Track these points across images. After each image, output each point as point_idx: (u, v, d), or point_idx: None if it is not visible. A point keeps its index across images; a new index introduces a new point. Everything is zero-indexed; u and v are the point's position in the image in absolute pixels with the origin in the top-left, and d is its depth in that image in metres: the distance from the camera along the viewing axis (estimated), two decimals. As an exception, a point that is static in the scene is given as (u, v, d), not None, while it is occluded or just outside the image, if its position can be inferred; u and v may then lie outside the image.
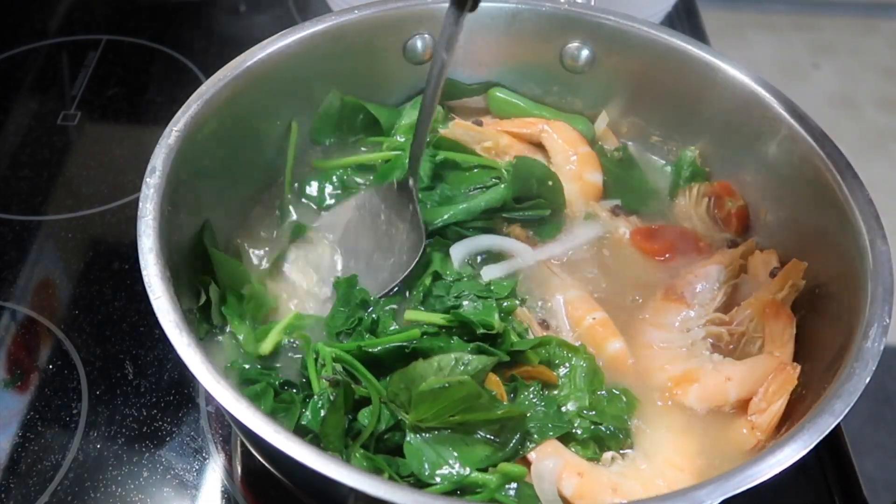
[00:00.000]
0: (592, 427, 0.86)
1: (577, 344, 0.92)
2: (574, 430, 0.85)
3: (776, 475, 0.69)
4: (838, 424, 0.72)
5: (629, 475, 0.83)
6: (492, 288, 0.95)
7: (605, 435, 0.86)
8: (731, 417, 0.88)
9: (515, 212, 1.05)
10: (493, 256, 1.02)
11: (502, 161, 1.09)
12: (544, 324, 0.96)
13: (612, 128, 1.16)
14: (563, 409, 0.87)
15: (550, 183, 1.06)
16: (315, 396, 0.83)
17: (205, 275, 0.91)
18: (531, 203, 1.05)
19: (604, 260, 1.03)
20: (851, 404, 0.73)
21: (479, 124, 1.15)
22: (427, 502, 0.68)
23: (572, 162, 1.10)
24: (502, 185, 1.04)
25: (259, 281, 0.97)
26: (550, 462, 0.81)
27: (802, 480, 1.00)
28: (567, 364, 0.90)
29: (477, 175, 1.08)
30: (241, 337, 0.91)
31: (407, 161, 1.01)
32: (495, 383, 0.87)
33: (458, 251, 1.00)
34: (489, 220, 1.04)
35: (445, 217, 1.02)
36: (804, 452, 0.70)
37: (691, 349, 0.93)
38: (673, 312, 0.96)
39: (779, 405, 0.84)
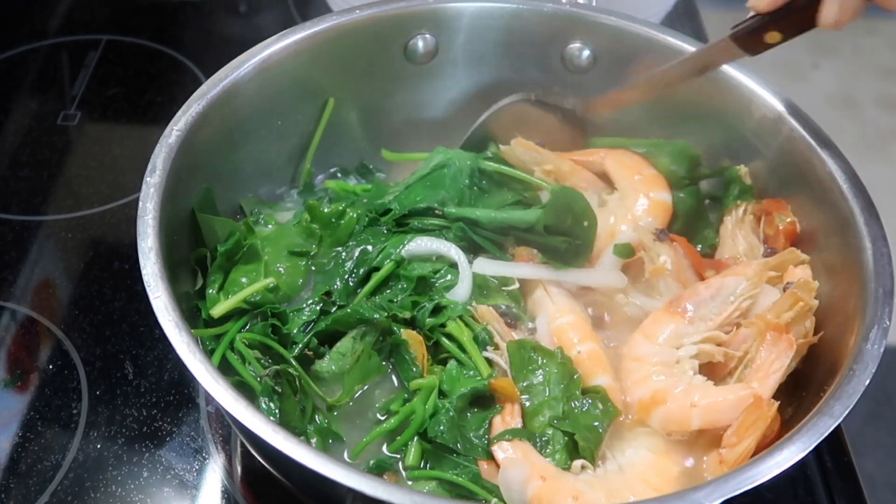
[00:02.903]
0: (565, 438, 0.84)
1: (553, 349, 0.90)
2: (546, 441, 0.84)
3: (776, 475, 0.69)
4: (838, 425, 0.72)
5: (596, 485, 0.80)
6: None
7: (578, 446, 0.84)
8: (715, 444, 0.84)
9: (538, 239, 0.99)
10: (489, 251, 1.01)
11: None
12: (512, 323, 0.93)
13: (611, 127, 1.15)
14: (536, 420, 0.86)
15: (586, 224, 0.97)
16: (261, 398, 0.84)
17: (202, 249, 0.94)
18: (559, 239, 0.99)
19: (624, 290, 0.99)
20: (851, 406, 0.72)
21: (543, 145, 1.10)
22: (425, 502, 0.69)
23: (637, 182, 1.05)
24: (538, 209, 1.00)
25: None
26: (518, 471, 0.80)
27: (802, 480, 0.99)
28: (542, 370, 0.88)
29: (513, 193, 1.06)
30: (211, 290, 0.92)
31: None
32: (418, 343, 0.89)
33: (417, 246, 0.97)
34: (503, 234, 1.01)
35: (476, 214, 0.99)
36: (803, 455, 0.70)
37: (673, 367, 0.88)
38: (669, 325, 0.90)
39: (748, 442, 0.79)
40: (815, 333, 0.88)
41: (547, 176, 1.08)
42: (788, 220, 0.98)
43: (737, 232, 1.02)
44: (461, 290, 0.94)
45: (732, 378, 0.88)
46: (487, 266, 0.97)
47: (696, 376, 0.87)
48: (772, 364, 0.85)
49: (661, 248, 0.98)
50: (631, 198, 1.05)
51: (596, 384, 0.88)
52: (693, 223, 1.06)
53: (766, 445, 0.82)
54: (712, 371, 0.90)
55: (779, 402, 0.82)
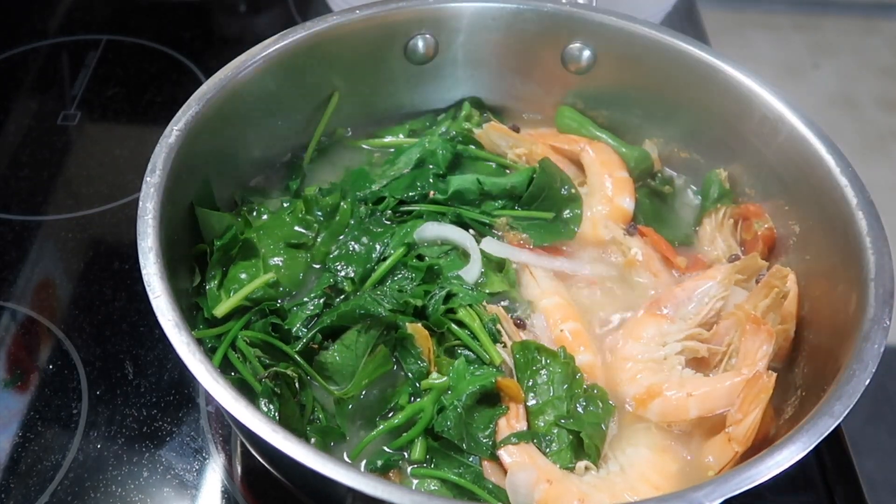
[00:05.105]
0: (570, 437, 0.85)
1: (555, 349, 0.91)
2: (550, 441, 0.85)
3: (776, 475, 0.69)
4: (838, 425, 0.72)
5: (600, 487, 0.82)
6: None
7: (582, 444, 0.85)
8: (714, 431, 0.86)
9: (522, 208, 1.05)
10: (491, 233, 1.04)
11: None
12: (521, 323, 0.95)
13: (613, 128, 1.16)
14: (540, 419, 0.87)
15: (573, 190, 1.06)
16: (261, 400, 0.84)
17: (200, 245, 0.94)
18: (540, 203, 1.05)
19: (609, 278, 1.02)
20: (851, 406, 0.73)
21: (516, 130, 1.15)
22: (425, 502, 0.69)
23: (607, 184, 1.08)
24: (527, 170, 1.06)
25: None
26: (525, 475, 0.81)
27: (802, 480, 0.99)
28: (546, 370, 0.89)
29: (495, 171, 1.10)
30: (210, 286, 0.92)
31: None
32: (423, 337, 0.89)
33: (429, 231, 1.00)
34: (491, 216, 1.04)
35: (470, 182, 1.03)
36: (803, 454, 0.70)
37: (662, 363, 0.91)
38: (652, 326, 0.94)
39: (755, 415, 0.82)
40: (805, 324, 0.92)
41: (519, 159, 1.11)
42: (766, 225, 1.02)
43: (716, 234, 1.06)
44: (472, 270, 0.97)
45: (719, 370, 0.92)
46: (493, 246, 1.01)
47: (686, 370, 0.91)
48: (756, 353, 0.88)
49: (632, 242, 1.04)
50: (597, 197, 1.08)
51: (579, 360, 0.91)
52: (662, 227, 1.08)
53: (763, 434, 0.83)
54: (699, 365, 0.93)
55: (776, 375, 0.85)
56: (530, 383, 0.89)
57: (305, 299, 0.93)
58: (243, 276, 0.93)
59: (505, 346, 0.92)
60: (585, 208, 1.07)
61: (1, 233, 1.23)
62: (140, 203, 0.83)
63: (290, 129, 1.09)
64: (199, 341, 0.76)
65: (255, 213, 1.03)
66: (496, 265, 1.00)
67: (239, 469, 0.99)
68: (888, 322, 0.78)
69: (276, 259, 0.97)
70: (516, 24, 1.10)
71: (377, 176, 1.07)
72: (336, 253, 0.99)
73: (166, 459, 0.98)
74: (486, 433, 0.85)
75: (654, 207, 1.10)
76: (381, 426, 0.86)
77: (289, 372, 0.86)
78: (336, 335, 0.90)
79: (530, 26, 1.10)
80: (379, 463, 0.84)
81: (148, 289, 0.77)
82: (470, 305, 0.93)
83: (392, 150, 1.13)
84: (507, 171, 1.10)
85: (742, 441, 0.82)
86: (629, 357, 0.93)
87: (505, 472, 0.83)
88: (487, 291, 0.97)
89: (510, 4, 1.10)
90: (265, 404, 0.84)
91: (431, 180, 1.04)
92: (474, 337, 0.91)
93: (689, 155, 1.12)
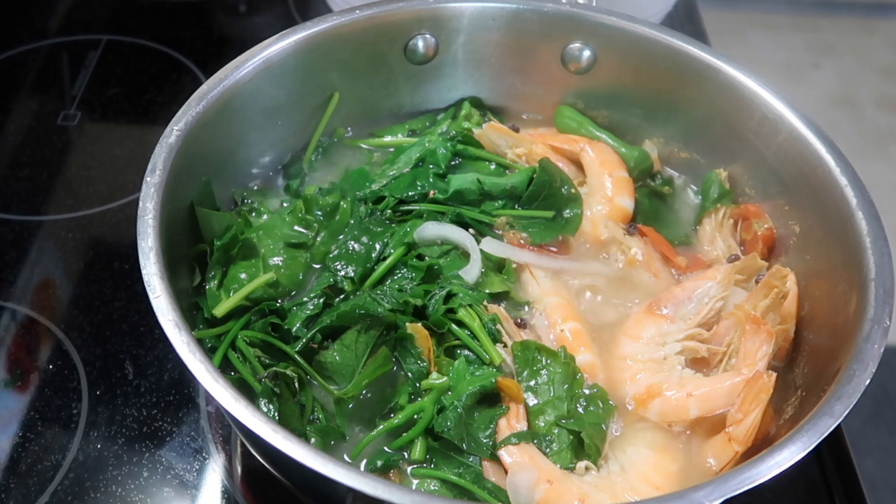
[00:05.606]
0: (570, 437, 0.85)
1: (556, 349, 0.91)
2: (550, 441, 0.85)
3: (776, 475, 0.69)
4: (838, 425, 0.72)
5: (600, 487, 0.82)
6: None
7: (583, 444, 0.85)
8: (714, 430, 0.87)
9: (522, 207, 1.05)
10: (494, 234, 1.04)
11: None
12: (522, 323, 0.96)
13: (613, 128, 1.16)
14: (541, 419, 0.87)
15: (573, 191, 1.06)
16: (260, 400, 0.84)
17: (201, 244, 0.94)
18: (540, 203, 1.05)
19: (609, 277, 1.02)
20: (851, 406, 0.73)
21: (516, 130, 1.15)
22: (425, 502, 0.69)
23: (607, 184, 1.08)
24: (527, 169, 1.06)
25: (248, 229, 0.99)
26: (525, 475, 0.81)
27: (802, 480, 0.99)
28: (546, 370, 0.89)
29: (495, 171, 1.10)
30: (210, 286, 0.92)
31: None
32: (423, 337, 0.89)
33: (430, 230, 1.00)
34: (492, 216, 1.04)
35: (469, 182, 1.03)
36: (803, 454, 0.70)
37: (662, 363, 0.91)
38: (651, 326, 0.94)
39: (755, 415, 0.82)
40: (805, 324, 0.92)
41: (518, 159, 1.11)
42: (766, 226, 1.02)
43: (715, 234, 1.06)
44: (472, 270, 0.97)
45: (719, 370, 0.92)
46: (493, 246, 1.00)
47: (686, 370, 0.91)
48: (756, 353, 0.88)
49: (632, 241, 1.03)
50: (596, 196, 1.08)
51: (579, 360, 0.91)
52: (662, 226, 1.08)
53: (763, 433, 0.83)
54: (699, 365, 0.93)
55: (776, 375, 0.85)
56: (531, 383, 0.89)
57: (305, 299, 0.93)
58: (243, 275, 0.93)
59: (505, 346, 0.92)
60: (585, 208, 1.07)
61: (1, 233, 1.23)
62: (140, 203, 0.83)
63: (290, 129, 1.09)
64: (199, 341, 0.76)
65: (255, 213, 1.03)
66: (496, 265, 1.00)
67: (239, 469, 0.99)
68: (888, 322, 0.78)
69: (275, 259, 0.97)
70: (516, 24, 1.10)
71: (377, 175, 1.07)
72: (336, 252, 0.99)
73: (166, 459, 0.98)
74: (487, 433, 0.85)
75: (654, 207, 1.10)
76: (381, 426, 0.86)
77: (288, 372, 0.86)
78: (336, 335, 0.90)
79: (530, 26, 1.10)
80: (379, 463, 0.84)
81: (148, 289, 0.77)
82: (470, 305, 0.93)
83: (392, 149, 1.14)
84: (507, 171, 1.10)
85: (742, 441, 0.82)
86: (629, 357, 0.93)
87: (505, 472, 0.83)
88: (487, 291, 0.97)
89: (510, 4, 1.10)
90: (265, 404, 0.84)
91: (431, 179, 1.04)
92: (474, 337, 0.91)
93: (689, 155, 1.12)
